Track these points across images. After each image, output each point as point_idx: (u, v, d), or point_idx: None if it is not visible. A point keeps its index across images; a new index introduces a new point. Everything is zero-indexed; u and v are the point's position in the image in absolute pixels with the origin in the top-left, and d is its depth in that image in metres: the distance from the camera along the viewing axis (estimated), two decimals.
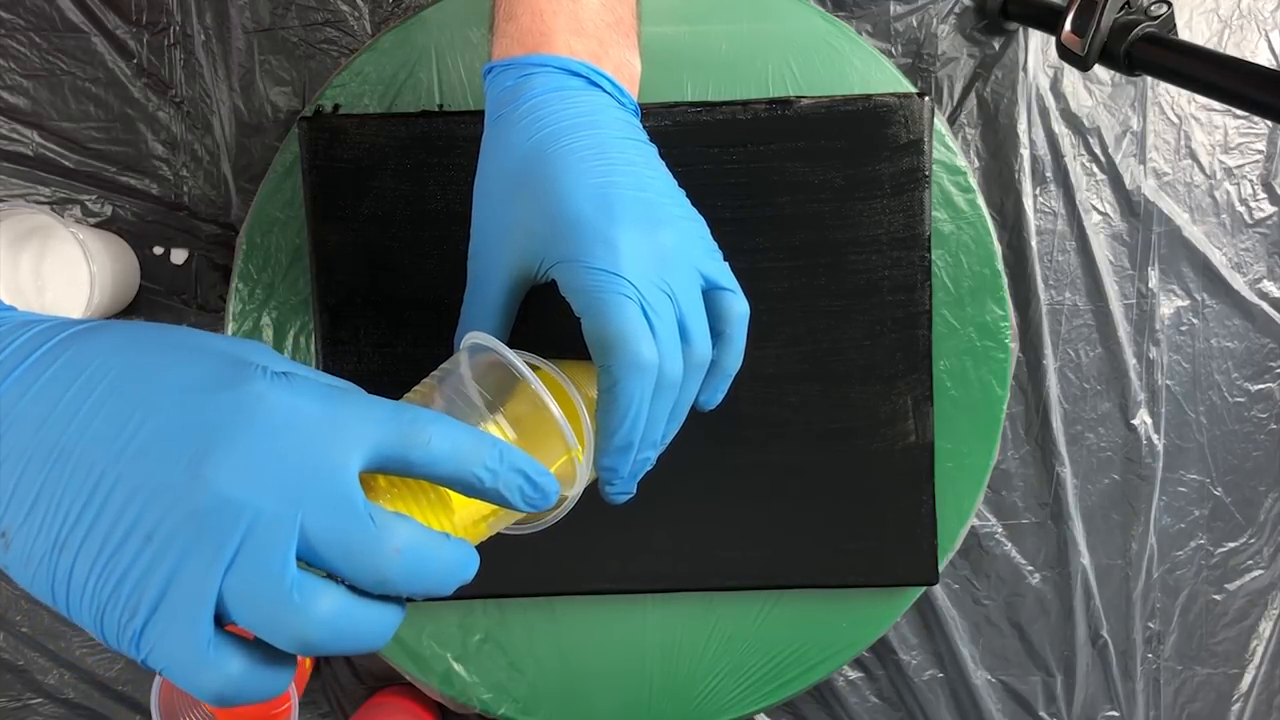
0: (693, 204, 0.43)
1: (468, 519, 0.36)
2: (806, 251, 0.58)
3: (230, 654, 0.28)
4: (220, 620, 0.28)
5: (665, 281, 0.40)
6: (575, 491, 0.41)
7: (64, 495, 0.27)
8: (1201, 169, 0.80)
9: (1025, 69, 0.78)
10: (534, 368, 0.41)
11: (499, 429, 0.38)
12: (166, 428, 0.27)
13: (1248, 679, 0.82)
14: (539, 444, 0.38)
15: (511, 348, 0.41)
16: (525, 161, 0.41)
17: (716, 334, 0.43)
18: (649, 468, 0.42)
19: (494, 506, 0.35)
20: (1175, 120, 0.80)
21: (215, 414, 0.28)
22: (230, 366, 0.29)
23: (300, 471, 0.27)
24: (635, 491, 0.42)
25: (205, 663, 0.28)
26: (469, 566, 0.32)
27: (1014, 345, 0.62)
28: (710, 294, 0.42)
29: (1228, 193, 0.80)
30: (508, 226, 0.42)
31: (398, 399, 0.39)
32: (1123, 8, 0.64)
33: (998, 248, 0.61)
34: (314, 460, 0.28)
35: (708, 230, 0.43)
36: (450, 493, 0.34)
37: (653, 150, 0.43)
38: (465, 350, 0.39)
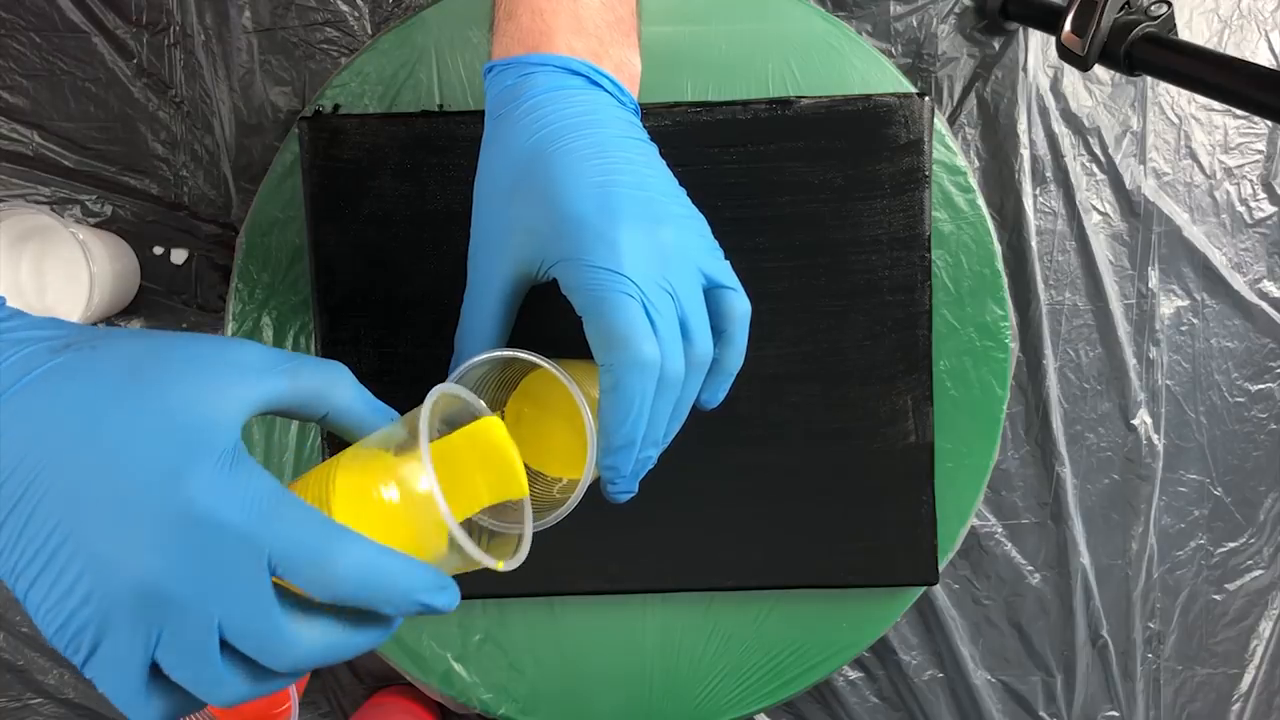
0: (693, 204, 0.43)
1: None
2: (806, 251, 0.58)
3: (159, 700, 0.31)
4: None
5: (667, 280, 0.40)
6: (578, 492, 0.41)
7: (25, 530, 0.30)
8: (1201, 169, 0.80)
9: (1025, 69, 0.78)
10: (535, 366, 0.41)
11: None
12: (112, 506, 0.30)
13: (1248, 679, 0.82)
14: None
15: (514, 347, 0.41)
16: (526, 160, 0.41)
17: (718, 332, 0.42)
18: (650, 466, 0.42)
19: (444, 550, 0.36)
20: (1175, 120, 0.80)
21: (151, 510, 0.30)
22: (180, 452, 0.30)
23: (217, 573, 0.30)
24: (637, 490, 0.42)
25: (135, 705, 0.31)
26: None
27: (1014, 345, 0.62)
28: (711, 292, 0.42)
29: (1228, 193, 0.80)
30: (508, 226, 0.42)
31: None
32: (1123, 8, 0.64)
33: (998, 248, 0.61)
34: (229, 566, 0.30)
35: (709, 229, 0.43)
36: (414, 537, 0.35)
37: (653, 149, 0.43)
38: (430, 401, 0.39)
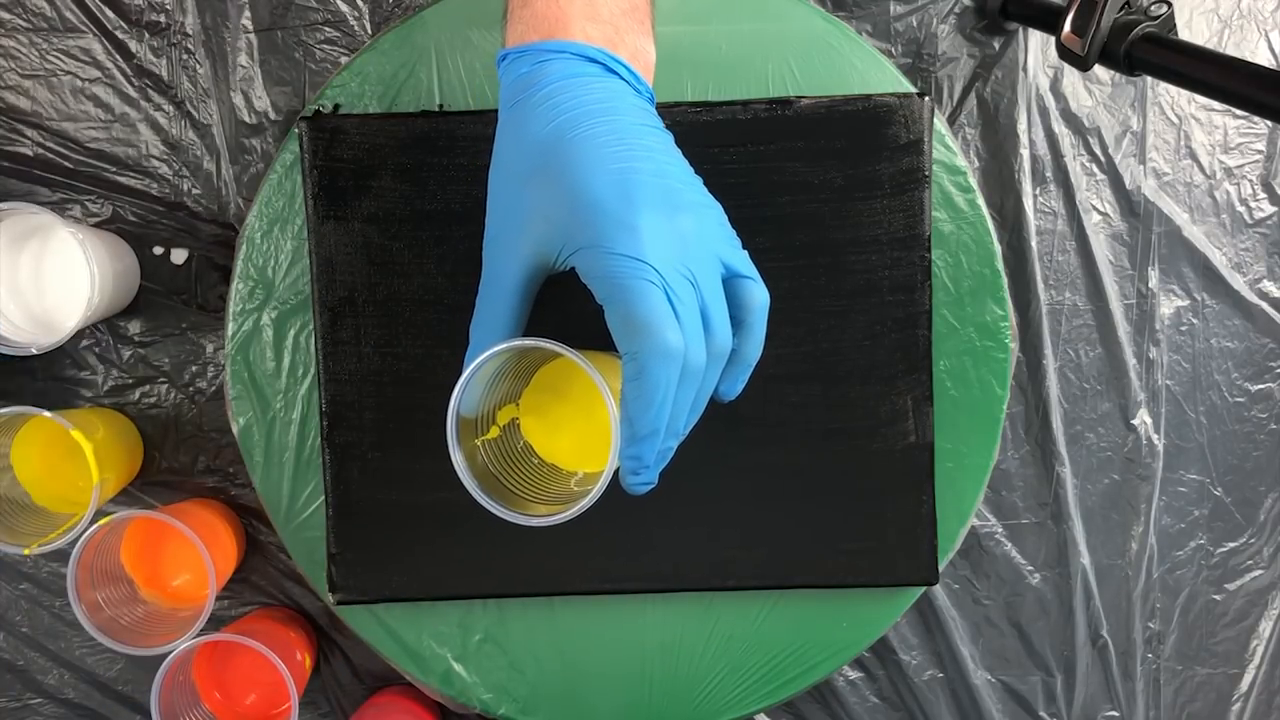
0: (710, 193, 0.43)
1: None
2: (806, 251, 0.58)
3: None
4: None
5: (688, 268, 0.39)
6: (601, 482, 0.41)
7: None
8: (1201, 169, 0.80)
9: (1025, 69, 0.78)
10: (554, 355, 0.41)
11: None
12: None
13: (1248, 679, 0.82)
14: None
15: (533, 336, 0.41)
16: (543, 148, 0.40)
17: (737, 323, 0.42)
18: (670, 458, 0.42)
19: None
20: (1175, 120, 0.80)
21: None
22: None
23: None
24: (657, 482, 0.42)
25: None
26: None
27: (1014, 345, 0.62)
28: (730, 282, 0.42)
29: (1228, 193, 0.80)
30: (525, 213, 0.41)
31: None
32: (1123, 8, 0.64)
33: (998, 248, 0.61)
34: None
35: (726, 218, 0.43)
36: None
37: (669, 137, 0.43)
38: None
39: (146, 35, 0.73)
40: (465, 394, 0.42)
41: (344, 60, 0.71)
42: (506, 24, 0.44)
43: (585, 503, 0.41)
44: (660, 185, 0.40)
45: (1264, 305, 0.81)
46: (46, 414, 0.61)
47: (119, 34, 0.73)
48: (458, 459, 0.42)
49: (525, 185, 0.41)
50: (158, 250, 0.73)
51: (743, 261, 0.42)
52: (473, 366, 0.41)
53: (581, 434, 0.48)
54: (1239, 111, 0.79)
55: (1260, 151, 0.80)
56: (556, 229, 0.40)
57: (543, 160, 0.40)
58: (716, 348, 0.40)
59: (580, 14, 0.42)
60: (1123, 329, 0.80)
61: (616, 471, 0.41)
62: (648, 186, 0.39)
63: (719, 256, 0.41)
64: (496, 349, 0.41)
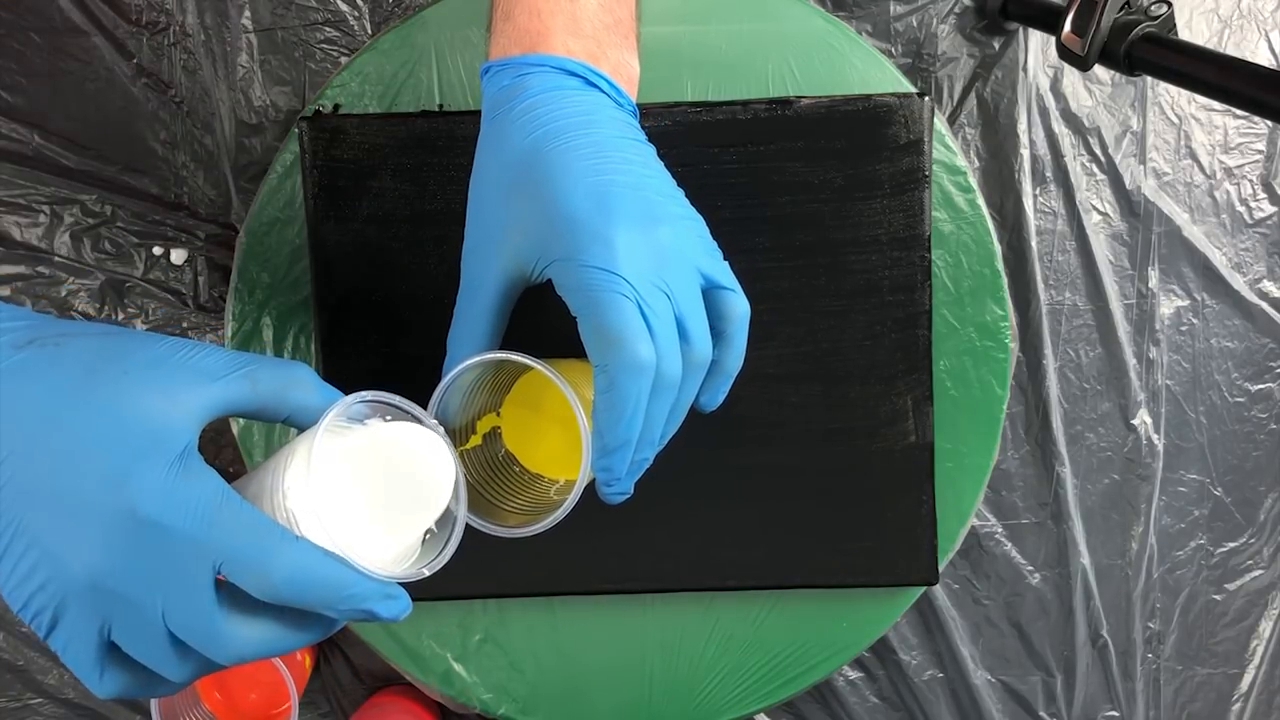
0: (693, 204, 0.43)
1: None
2: (806, 251, 0.58)
3: (117, 673, 0.34)
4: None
5: (663, 280, 0.39)
6: (574, 493, 0.41)
7: None
8: (1201, 169, 0.80)
9: (1025, 69, 0.78)
10: (528, 367, 0.41)
11: None
12: (63, 506, 0.32)
13: (1248, 679, 0.82)
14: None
15: (507, 349, 0.41)
16: (522, 160, 0.41)
17: (717, 333, 0.42)
18: (647, 467, 0.42)
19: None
20: (1175, 120, 0.80)
21: (98, 513, 0.32)
22: (128, 457, 0.32)
23: (159, 574, 0.32)
24: (633, 492, 0.42)
25: (91, 678, 0.34)
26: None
27: (1014, 345, 0.62)
28: (710, 293, 0.42)
29: (1228, 193, 0.80)
30: (503, 225, 0.41)
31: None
32: (1123, 8, 0.64)
33: (998, 248, 0.61)
34: (170, 569, 0.32)
35: (707, 230, 0.43)
36: None
37: (650, 150, 0.43)
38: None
39: (146, 35, 0.73)
40: (443, 405, 0.42)
41: (344, 60, 0.71)
42: (490, 37, 0.44)
43: (559, 514, 0.41)
44: (637, 198, 0.40)
45: (1264, 305, 0.81)
46: None
47: (119, 34, 0.73)
48: None
49: (504, 197, 0.41)
50: (158, 250, 0.74)
51: (723, 273, 0.42)
52: (447, 380, 0.41)
53: (561, 443, 0.49)
54: (1239, 111, 0.79)
55: (1260, 151, 0.80)
56: (533, 241, 0.40)
57: (521, 172, 0.41)
58: (695, 358, 0.41)
59: (562, 28, 0.42)
60: (1123, 329, 0.80)
61: (594, 481, 0.41)
62: (624, 199, 0.39)
63: (698, 268, 0.41)
64: (470, 362, 0.41)
